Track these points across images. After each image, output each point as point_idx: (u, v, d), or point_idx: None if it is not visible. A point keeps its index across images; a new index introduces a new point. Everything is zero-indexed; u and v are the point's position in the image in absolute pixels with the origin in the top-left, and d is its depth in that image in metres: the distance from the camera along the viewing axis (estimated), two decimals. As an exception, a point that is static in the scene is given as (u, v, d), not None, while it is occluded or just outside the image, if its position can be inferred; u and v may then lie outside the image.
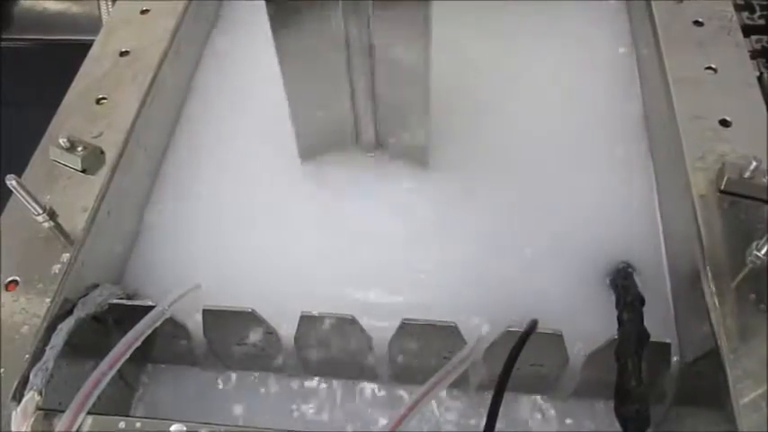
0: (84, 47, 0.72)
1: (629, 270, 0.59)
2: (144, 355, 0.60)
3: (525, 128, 0.73)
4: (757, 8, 0.92)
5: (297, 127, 0.66)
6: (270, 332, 0.56)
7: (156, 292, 0.60)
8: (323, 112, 0.66)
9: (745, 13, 0.91)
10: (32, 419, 0.46)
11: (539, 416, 0.58)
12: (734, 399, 0.46)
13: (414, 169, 0.69)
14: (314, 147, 0.69)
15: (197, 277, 0.59)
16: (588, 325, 0.56)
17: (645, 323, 0.52)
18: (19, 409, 0.46)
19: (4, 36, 1.23)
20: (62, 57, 0.90)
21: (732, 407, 0.46)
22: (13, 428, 0.46)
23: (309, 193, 0.68)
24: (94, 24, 1.04)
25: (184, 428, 0.46)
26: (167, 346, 0.59)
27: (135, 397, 0.60)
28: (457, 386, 0.58)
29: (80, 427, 0.46)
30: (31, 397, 0.47)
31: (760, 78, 0.84)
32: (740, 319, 0.49)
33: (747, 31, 0.88)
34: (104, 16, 0.99)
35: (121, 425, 0.47)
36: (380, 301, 0.60)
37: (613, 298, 0.56)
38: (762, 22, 0.90)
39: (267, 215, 0.67)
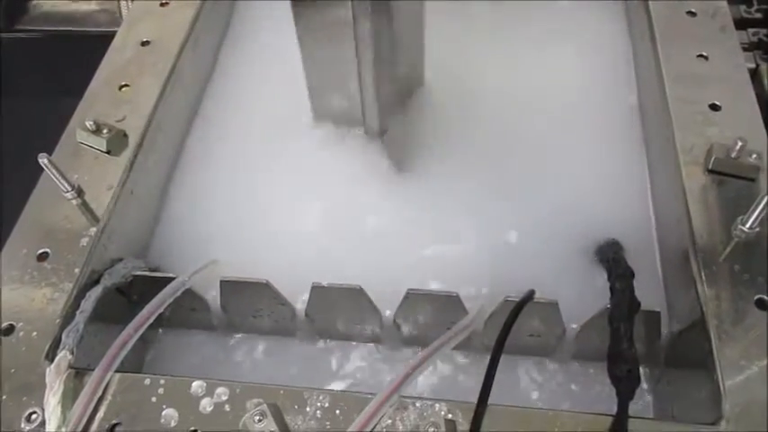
0: (98, 38, 0.76)
1: (620, 245, 0.62)
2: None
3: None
4: (755, 2, 0.94)
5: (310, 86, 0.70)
6: (282, 303, 0.59)
7: (177, 266, 0.64)
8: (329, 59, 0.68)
9: (743, 7, 0.93)
10: (65, 376, 0.50)
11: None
12: (717, 363, 0.49)
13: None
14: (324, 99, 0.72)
15: (215, 253, 0.64)
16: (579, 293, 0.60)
17: (637, 294, 0.55)
18: (53, 366, 0.50)
19: (19, 27, 1.25)
20: (80, 48, 0.94)
21: (717, 371, 0.49)
22: (47, 384, 0.49)
23: (320, 178, 0.72)
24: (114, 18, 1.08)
25: (205, 385, 0.50)
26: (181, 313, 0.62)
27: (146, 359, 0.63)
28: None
29: (108, 383, 0.50)
30: (64, 355, 0.50)
31: (756, 69, 0.87)
32: (725, 289, 0.53)
33: (745, 24, 0.90)
34: (124, 10, 1.03)
35: (146, 382, 0.51)
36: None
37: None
38: (759, 15, 0.92)
39: (283, 197, 0.70)
